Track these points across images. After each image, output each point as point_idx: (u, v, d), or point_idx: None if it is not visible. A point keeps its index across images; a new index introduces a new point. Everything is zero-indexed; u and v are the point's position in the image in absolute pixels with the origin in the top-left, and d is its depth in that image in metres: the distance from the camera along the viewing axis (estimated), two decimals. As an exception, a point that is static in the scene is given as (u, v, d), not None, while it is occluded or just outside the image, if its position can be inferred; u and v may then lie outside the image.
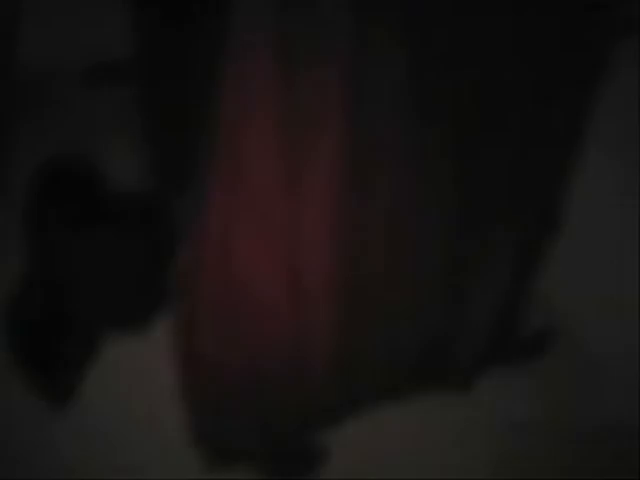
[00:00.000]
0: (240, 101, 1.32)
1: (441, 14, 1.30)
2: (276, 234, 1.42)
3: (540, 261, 1.77)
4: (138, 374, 1.83)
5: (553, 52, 1.43)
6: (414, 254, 1.57)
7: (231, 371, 1.60)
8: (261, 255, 1.43)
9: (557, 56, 1.43)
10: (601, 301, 1.98)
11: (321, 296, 1.51)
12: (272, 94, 1.29)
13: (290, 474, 1.76)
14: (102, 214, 1.85)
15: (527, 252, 1.73)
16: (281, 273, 1.45)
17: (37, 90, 2.31)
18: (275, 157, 1.34)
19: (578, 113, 1.56)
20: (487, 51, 1.37)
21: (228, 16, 1.26)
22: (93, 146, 2.11)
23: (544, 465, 1.77)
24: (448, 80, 1.37)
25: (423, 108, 1.38)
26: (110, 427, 1.77)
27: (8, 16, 1.89)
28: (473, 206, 1.57)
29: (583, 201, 1.84)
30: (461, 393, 1.86)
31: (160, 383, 1.76)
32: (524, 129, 1.50)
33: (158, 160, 2.09)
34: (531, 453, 1.79)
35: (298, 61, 1.26)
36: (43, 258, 1.86)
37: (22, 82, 2.13)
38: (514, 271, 1.73)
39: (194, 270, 1.51)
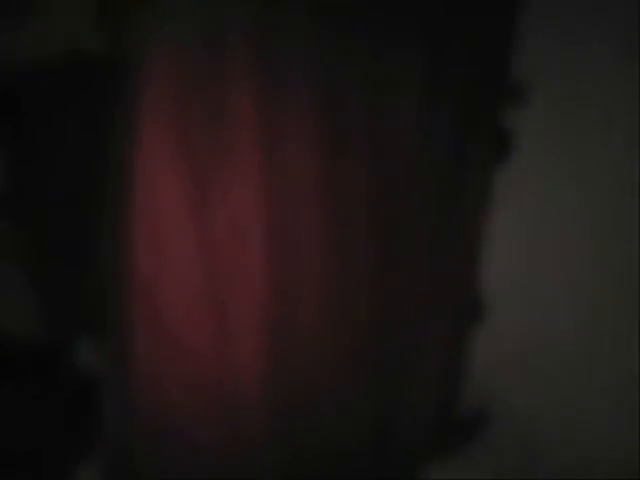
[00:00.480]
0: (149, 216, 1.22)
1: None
2: (204, 372, 1.33)
3: (468, 344, 1.74)
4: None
5: None
6: (346, 349, 1.50)
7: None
8: (193, 398, 1.34)
9: None
10: (531, 373, 1.94)
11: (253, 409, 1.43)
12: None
13: None
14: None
15: (454, 340, 1.69)
16: (212, 412, 1.37)
17: None
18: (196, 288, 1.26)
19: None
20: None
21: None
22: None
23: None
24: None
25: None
26: None
27: None
28: (395, 299, 1.52)
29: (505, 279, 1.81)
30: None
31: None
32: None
33: (49, 298, 1.97)
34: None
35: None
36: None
37: None
38: (445, 358, 1.69)
39: (123, 416, 1.41)
